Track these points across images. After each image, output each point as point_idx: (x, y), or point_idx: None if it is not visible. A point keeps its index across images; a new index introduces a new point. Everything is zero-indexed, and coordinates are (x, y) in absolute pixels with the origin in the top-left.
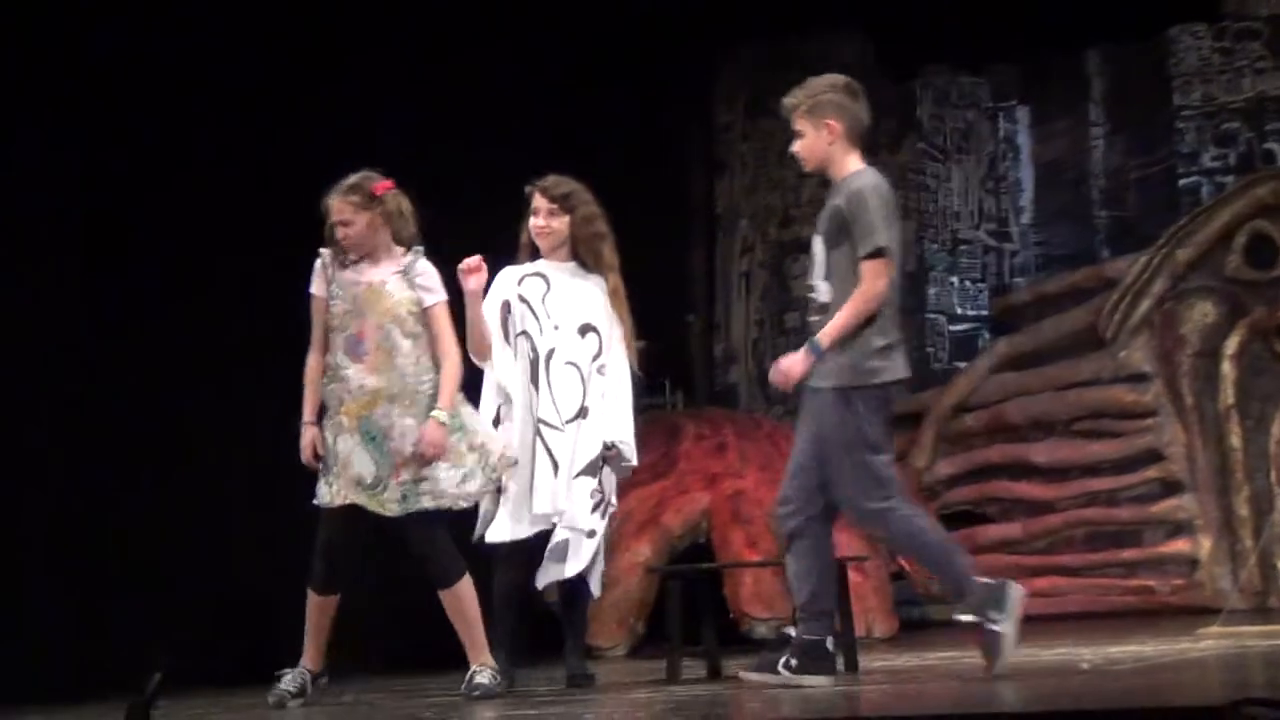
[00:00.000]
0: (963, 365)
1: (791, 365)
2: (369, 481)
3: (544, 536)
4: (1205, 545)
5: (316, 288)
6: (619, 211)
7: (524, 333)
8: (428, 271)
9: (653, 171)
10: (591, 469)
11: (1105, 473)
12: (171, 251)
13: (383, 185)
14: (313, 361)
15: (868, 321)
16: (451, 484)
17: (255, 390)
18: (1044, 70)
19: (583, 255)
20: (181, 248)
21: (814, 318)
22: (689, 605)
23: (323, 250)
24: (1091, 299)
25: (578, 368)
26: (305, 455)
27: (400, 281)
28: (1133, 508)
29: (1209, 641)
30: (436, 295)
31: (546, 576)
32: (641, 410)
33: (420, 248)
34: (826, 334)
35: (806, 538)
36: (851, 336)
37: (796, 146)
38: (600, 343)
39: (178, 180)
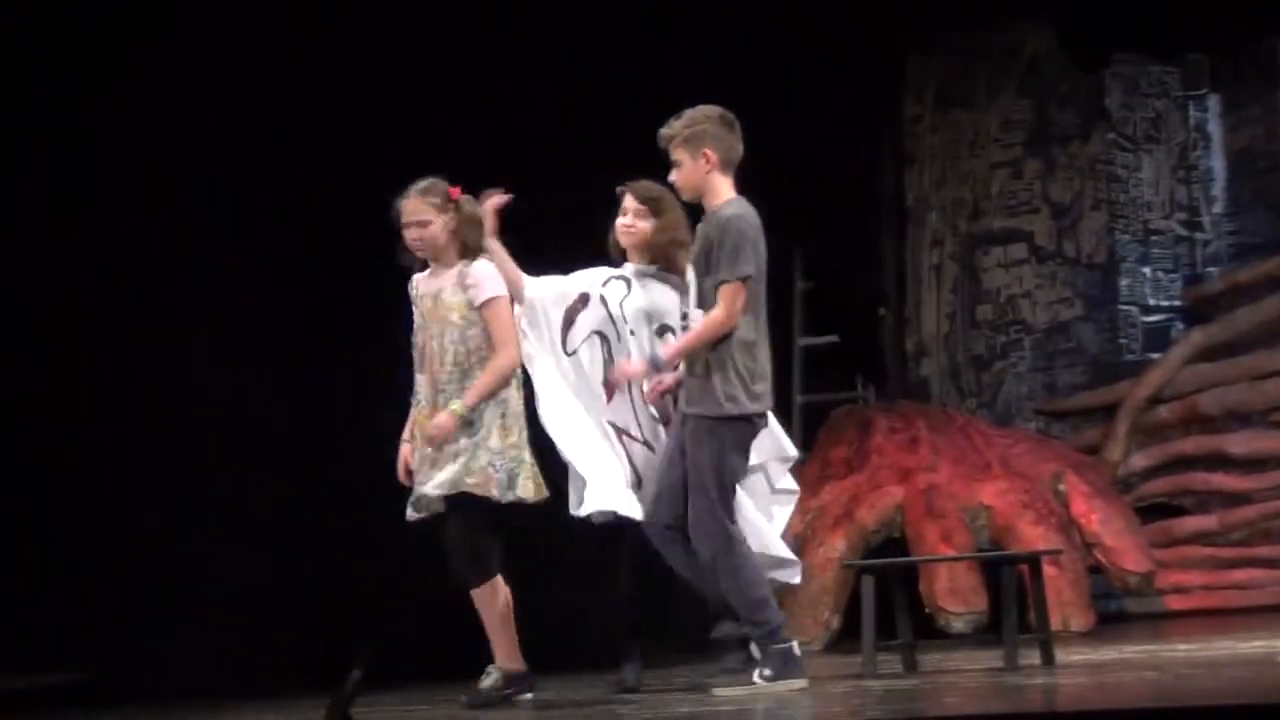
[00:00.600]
0: (1156, 357)
1: (630, 368)
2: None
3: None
4: None
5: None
6: (810, 205)
7: (599, 333)
8: (478, 271)
9: (842, 165)
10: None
11: None
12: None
13: (455, 190)
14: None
15: (736, 349)
16: (449, 476)
17: None
18: (1235, 58)
19: (659, 260)
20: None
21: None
22: (884, 600)
23: (415, 277)
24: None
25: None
26: (400, 474)
27: (455, 288)
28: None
29: None
30: (487, 291)
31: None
32: (833, 404)
33: (484, 258)
34: (672, 350)
35: (729, 553)
36: (718, 365)
37: (674, 176)
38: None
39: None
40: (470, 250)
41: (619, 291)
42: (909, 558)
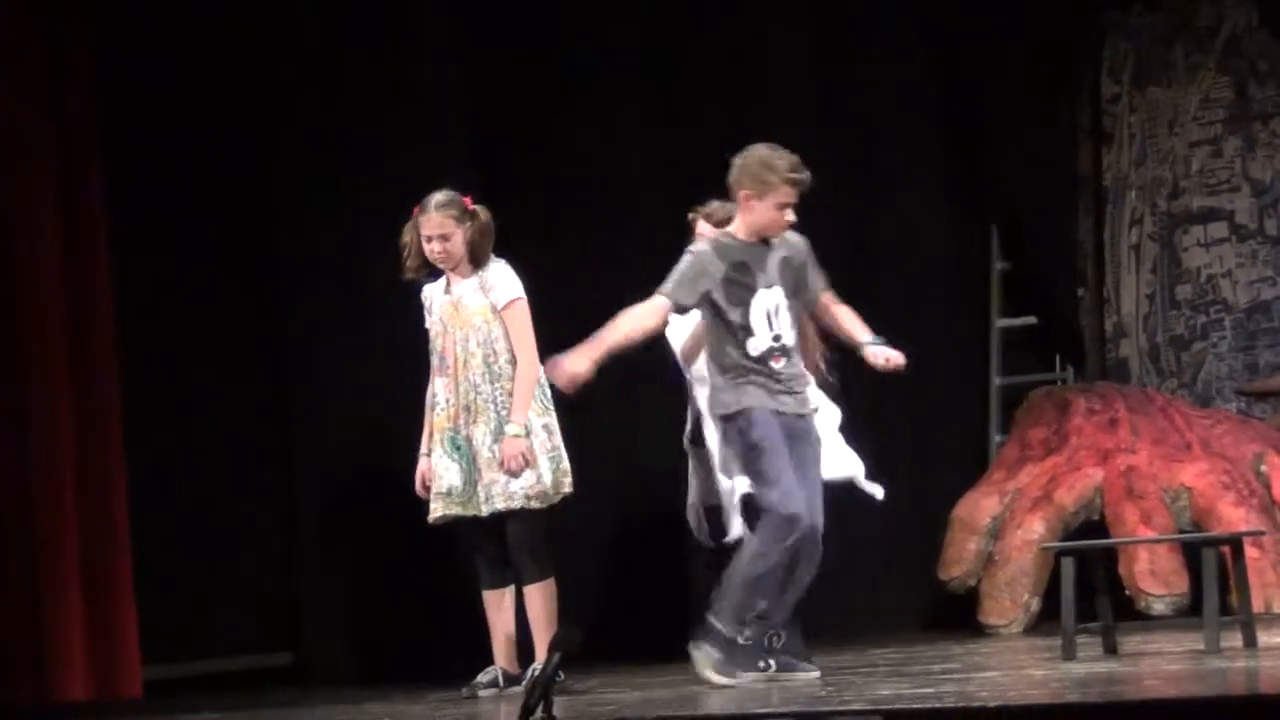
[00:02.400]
0: None
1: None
2: (459, 489)
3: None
4: None
5: (427, 320)
6: (1007, 187)
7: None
8: (497, 272)
9: (1040, 145)
10: None
11: None
12: None
13: (469, 200)
14: (429, 392)
15: None
16: (521, 486)
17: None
18: None
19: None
20: None
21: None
22: (1083, 582)
23: (427, 287)
24: None
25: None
26: (417, 487)
27: (477, 292)
28: None
29: None
30: (507, 294)
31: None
32: (1032, 386)
33: (500, 260)
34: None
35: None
36: None
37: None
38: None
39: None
40: (479, 259)
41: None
42: (1108, 539)
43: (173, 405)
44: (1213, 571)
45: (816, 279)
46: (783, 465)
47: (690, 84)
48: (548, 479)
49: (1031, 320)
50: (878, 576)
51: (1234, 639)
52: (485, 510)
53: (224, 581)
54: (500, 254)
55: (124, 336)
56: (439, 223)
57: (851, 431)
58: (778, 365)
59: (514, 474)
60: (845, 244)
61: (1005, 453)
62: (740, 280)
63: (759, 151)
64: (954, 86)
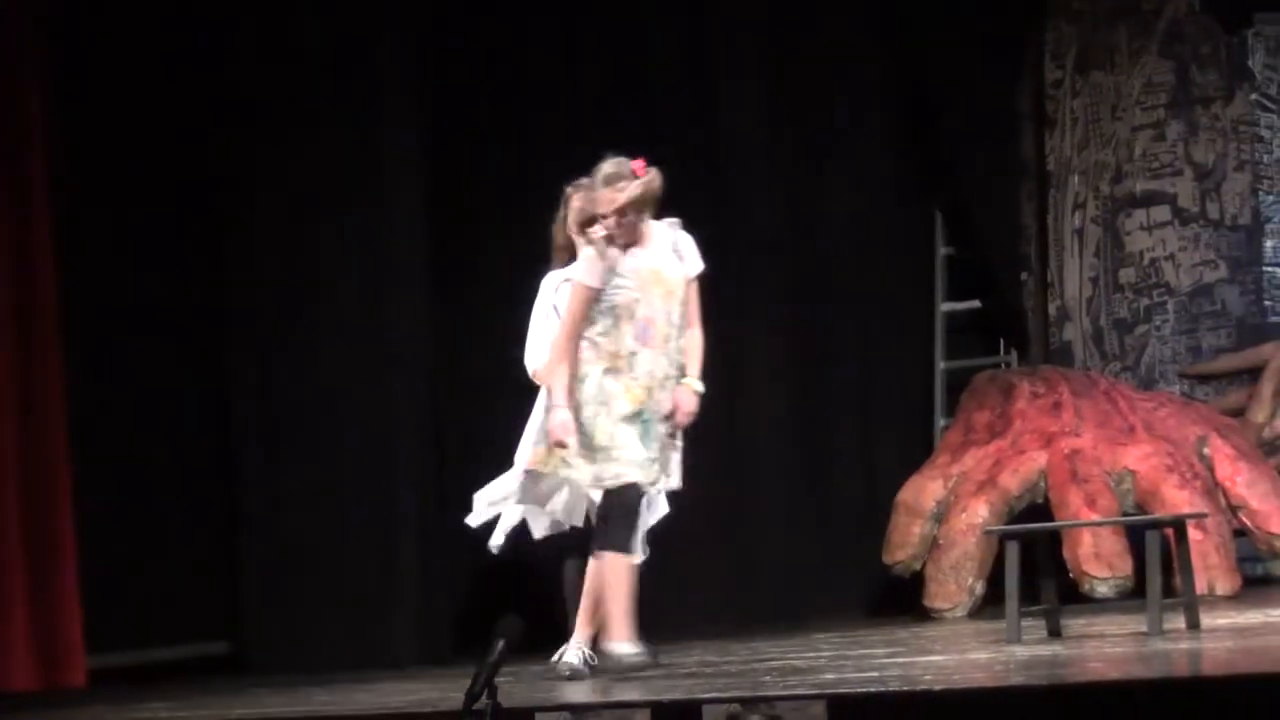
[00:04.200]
0: None
1: None
2: (654, 458)
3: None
4: None
5: (591, 278)
6: (950, 172)
7: None
8: (689, 242)
9: (983, 130)
10: None
11: None
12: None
13: (638, 165)
14: (569, 346)
15: None
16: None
17: None
18: None
19: None
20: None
21: None
22: (1027, 566)
23: (597, 240)
24: None
25: None
26: (555, 437)
27: (672, 259)
28: None
29: None
30: (698, 265)
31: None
32: (976, 369)
33: (677, 220)
34: None
35: None
36: None
37: None
38: None
39: None
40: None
41: None
42: (1052, 523)
43: (115, 395)
44: (1156, 554)
45: None
46: None
47: (643, 73)
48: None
49: (975, 304)
50: (822, 560)
51: (1177, 621)
52: (661, 486)
53: (164, 571)
54: (463, 248)
55: (68, 326)
56: (609, 198)
57: (799, 416)
58: None
59: (681, 426)
60: (792, 229)
61: (949, 436)
62: None
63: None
64: (899, 73)
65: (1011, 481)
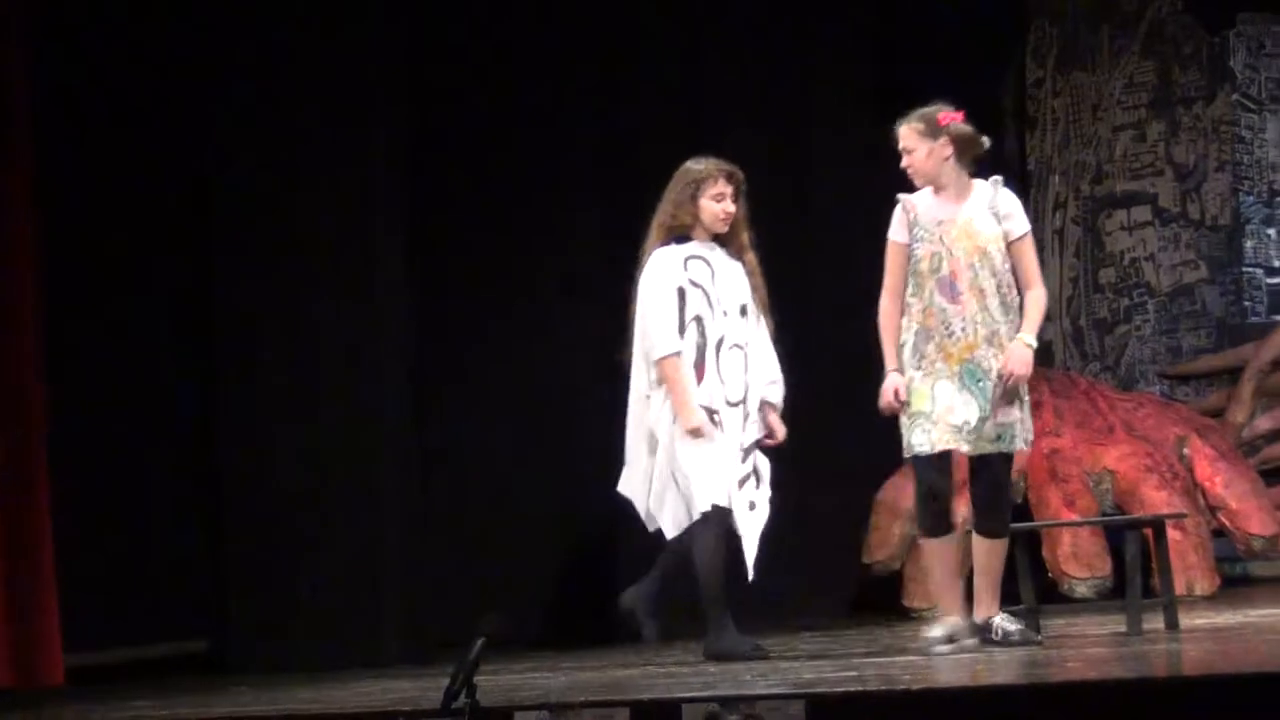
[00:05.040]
0: None
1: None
2: (972, 425)
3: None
4: None
5: (896, 233)
6: None
7: (697, 318)
8: (1010, 201)
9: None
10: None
11: None
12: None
13: (948, 115)
14: (889, 307)
15: None
16: (1029, 428)
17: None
18: None
19: (726, 237)
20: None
21: None
22: (1007, 565)
23: (901, 196)
24: None
25: (742, 350)
26: (886, 400)
27: (987, 216)
28: None
29: None
30: (1022, 226)
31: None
32: None
33: (999, 178)
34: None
35: None
36: None
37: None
38: (756, 320)
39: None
40: (944, 179)
41: (704, 272)
42: (1032, 522)
43: (94, 391)
44: (1136, 554)
45: None
46: None
47: (630, 73)
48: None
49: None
50: (804, 560)
51: (1156, 621)
52: (993, 449)
53: (144, 568)
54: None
55: (48, 325)
56: (903, 134)
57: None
58: None
59: (1011, 381)
60: (780, 228)
61: None
62: None
63: None
64: (881, 74)
65: None
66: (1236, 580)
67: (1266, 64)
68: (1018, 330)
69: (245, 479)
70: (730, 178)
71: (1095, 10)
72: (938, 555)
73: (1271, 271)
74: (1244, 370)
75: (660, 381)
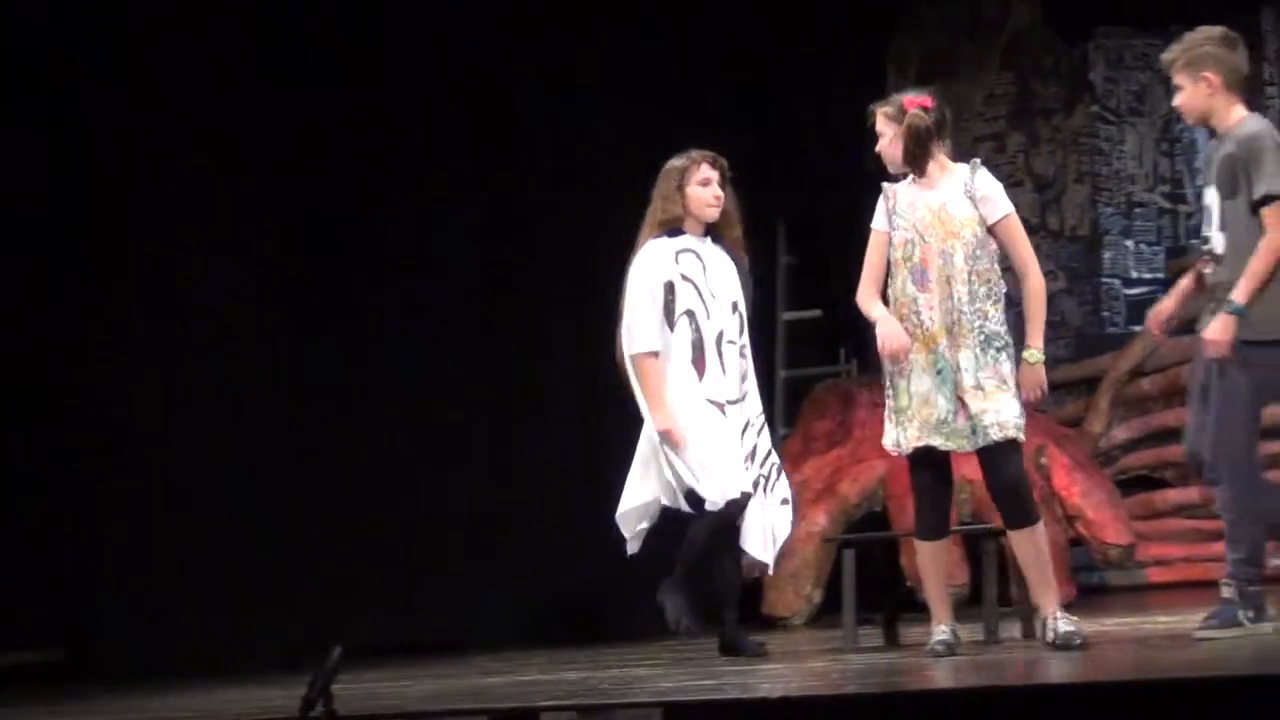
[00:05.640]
0: (1139, 329)
1: (1219, 335)
2: (940, 418)
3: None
4: None
5: (878, 222)
6: (793, 181)
7: (689, 312)
8: (989, 183)
9: (825, 140)
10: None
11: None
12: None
13: (912, 101)
14: (863, 295)
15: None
16: (1013, 414)
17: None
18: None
19: (721, 226)
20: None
21: (1208, 270)
22: (865, 574)
23: (885, 184)
24: None
25: (736, 346)
26: (891, 346)
27: (962, 200)
28: None
29: None
30: (1001, 208)
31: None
32: (816, 379)
33: (978, 159)
34: (1241, 291)
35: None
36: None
37: (1177, 100)
38: (741, 321)
39: None
40: (918, 163)
41: (696, 266)
42: (890, 532)
43: None
44: (993, 563)
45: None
46: None
47: (502, 84)
48: (1008, 411)
49: (816, 313)
50: (664, 568)
51: (1013, 630)
52: (971, 444)
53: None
54: (313, 256)
55: None
56: (876, 117)
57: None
58: None
59: (1033, 406)
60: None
61: (789, 445)
62: None
63: None
64: (738, 85)
65: (850, 490)
66: (1093, 589)
67: (1125, 76)
68: (985, 320)
69: (108, 481)
70: (714, 163)
71: (956, 22)
72: (931, 558)
73: (1129, 282)
74: (1102, 380)
75: (635, 376)
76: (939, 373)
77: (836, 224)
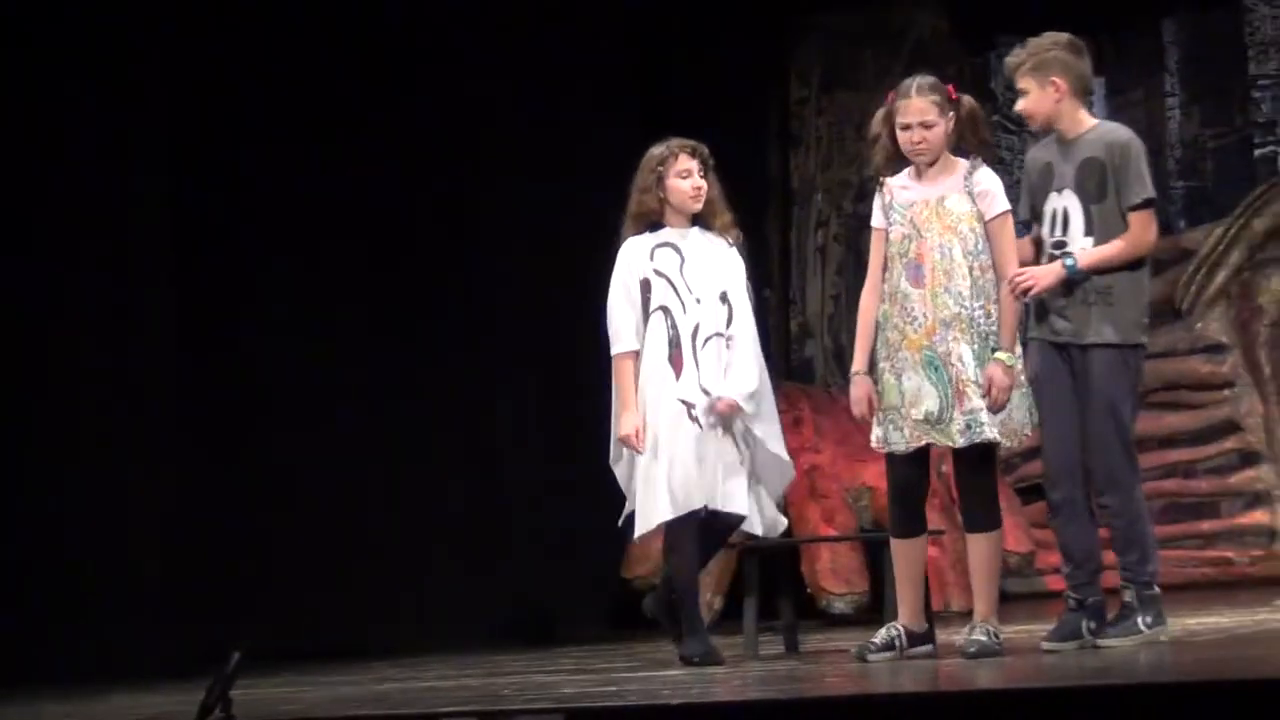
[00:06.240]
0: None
1: (1045, 277)
2: (935, 414)
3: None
4: None
5: (876, 219)
6: None
7: (662, 308)
8: (989, 179)
9: (729, 145)
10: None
11: (1182, 444)
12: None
13: (953, 87)
14: (866, 301)
15: (1137, 274)
16: (1001, 417)
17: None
18: (1119, 40)
19: (707, 215)
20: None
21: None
22: (766, 581)
23: (882, 178)
24: (1168, 270)
25: (724, 338)
26: (859, 410)
27: (960, 195)
28: (1210, 479)
29: None
30: (999, 204)
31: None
32: None
33: (979, 158)
34: (1086, 257)
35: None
36: (1129, 293)
37: (1020, 105)
38: (730, 311)
39: None
40: (980, 143)
41: (672, 260)
42: (791, 538)
43: None
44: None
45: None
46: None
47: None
48: (1017, 416)
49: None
50: (563, 574)
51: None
52: (963, 440)
53: None
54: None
55: None
56: (921, 108)
57: (545, 430)
58: None
59: (998, 407)
60: (536, 248)
61: None
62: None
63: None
64: (640, 89)
65: None
66: None
67: None
68: (986, 317)
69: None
70: (694, 153)
71: (859, 31)
72: (902, 556)
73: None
74: None
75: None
76: (934, 368)
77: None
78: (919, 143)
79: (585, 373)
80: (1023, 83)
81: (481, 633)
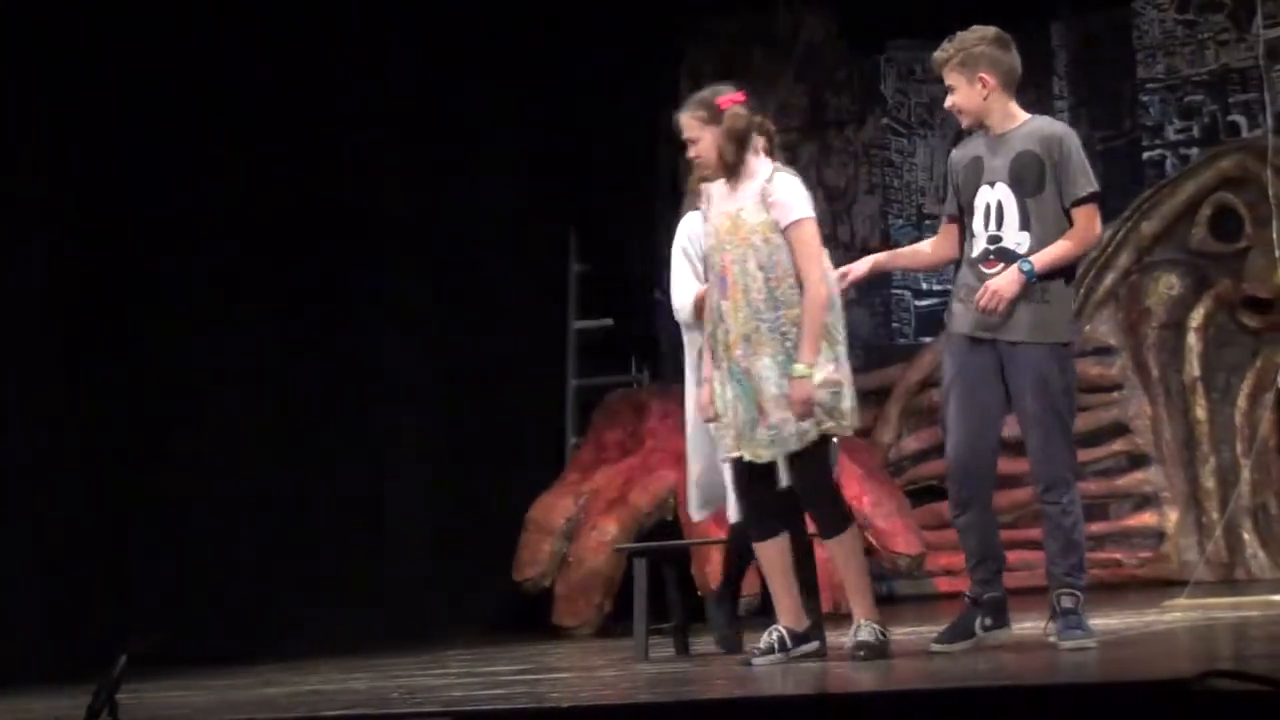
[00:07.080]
0: (928, 341)
1: (1006, 286)
2: (743, 426)
3: None
4: (1172, 518)
5: (704, 225)
6: (585, 189)
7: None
8: (782, 187)
9: (617, 149)
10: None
11: None
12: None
13: (729, 99)
14: (706, 312)
15: (1072, 272)
16: (810, 423)
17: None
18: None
19: (728, 177)
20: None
21: (994, 270)
22: (656, 583)
23: (703, 186)
24: None
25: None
26: (704, 414)
27: (756, 206)
28: (1099, 481)
29: (1176, 614)
30: (793, 212)
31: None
32: (608, 388)
33: (781, 164)
34: (1041, 259)
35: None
36: (1064, 291)
37: (950, 100)
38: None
39: None
40: (733, 166)
41: (696, 237)
42: (681, 541)
43: None
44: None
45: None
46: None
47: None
48: (845, 406)
49: (608, 322)
50: (452, 576)
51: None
52: (769, 454)
53: None
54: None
55: None
56: (685, 124)
57: (434, 431)
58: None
59: (801, 419)
60: (431, 243)
61: (581, 454)
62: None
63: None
64: (530, 91)
65: (642, 499)
66: (882, 599)
67: (916, 89)
68: (791, 325)
69: None
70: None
71: (749, 34)
72: (766, 559)
73: (920, 294)
74: (892, 391)
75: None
76: (739, 382)
77: (628, 233)
78: (694, 158)
79: (474, 373)
80: (950, 78)
81: (368, 636)
